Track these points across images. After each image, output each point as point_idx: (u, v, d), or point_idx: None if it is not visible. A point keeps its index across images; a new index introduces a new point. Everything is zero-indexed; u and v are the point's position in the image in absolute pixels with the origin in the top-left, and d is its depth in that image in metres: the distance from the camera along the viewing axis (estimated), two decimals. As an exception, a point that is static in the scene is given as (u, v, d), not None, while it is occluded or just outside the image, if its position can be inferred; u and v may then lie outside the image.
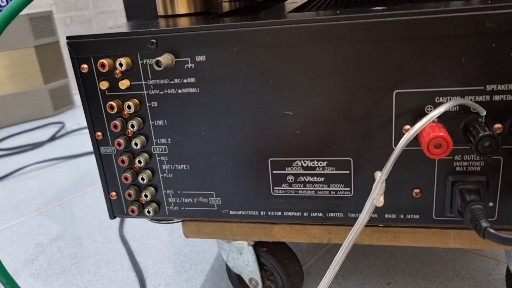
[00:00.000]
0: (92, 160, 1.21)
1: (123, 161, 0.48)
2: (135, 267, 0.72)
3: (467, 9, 0.37)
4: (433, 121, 0.39)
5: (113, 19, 2.24)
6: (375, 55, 0.40)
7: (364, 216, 0.38)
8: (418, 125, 0.38)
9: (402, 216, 0.45)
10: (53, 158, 1.25)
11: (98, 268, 0.73)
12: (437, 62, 0.39)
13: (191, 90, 0.45)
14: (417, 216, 0.45)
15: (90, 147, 1.30)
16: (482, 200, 0.41)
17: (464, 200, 0.41)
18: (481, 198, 0.41)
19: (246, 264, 0.56)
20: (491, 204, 0.43)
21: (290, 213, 0.47)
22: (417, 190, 0.44)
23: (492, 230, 0.37)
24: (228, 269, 0.61)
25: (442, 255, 0.67)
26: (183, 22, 0.47)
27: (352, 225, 0.40)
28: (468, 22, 0.37)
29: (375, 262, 0.67)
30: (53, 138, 1.43)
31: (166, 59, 0.43)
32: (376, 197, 0.37)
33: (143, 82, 0.46)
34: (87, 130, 1.44)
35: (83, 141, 1.38)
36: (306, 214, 0.47)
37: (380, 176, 0.37)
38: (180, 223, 0.55)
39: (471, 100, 0.40)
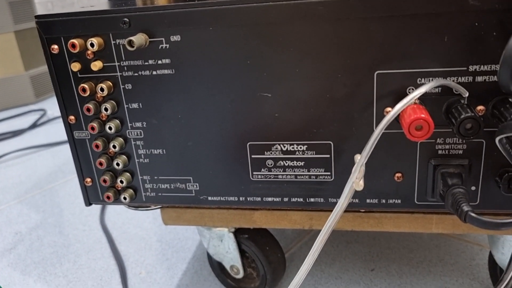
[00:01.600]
0: (74, 147, 1.19)
1: (97, 146, 0.47)
2: (115, 255, 0.70)
3: (450, -14, 0.36)
4: (415, 103, 0.38)
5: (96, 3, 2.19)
6: (355, 35, 0.39)
7: (343, 201, 0.36)
8: (398, 106, 0.36)
9: (383, 201, 0.44)
10: (34, 146, 1.23)
11: (78, 256, 0.72)
12: (419, 42, 0.38)
13: (166, 71, 0.43)
14: (399, 201, 0.44)
15: (72, 135, 1.27)
16: (464, 184, 0.40)
17: (446, 184, 0.40)
18: (463, 182, 0.40)
19: (227, 251, 0.55)
20: (473, 188, 0.42)
21: (270, 199, 0.46)
22: (398, 174, 0.43)
23: (473, 214, 0.36)
24: (210, 257, 0.59)
25: (426, 241, 0.67)
26: (158, 1, 0.45)
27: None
28: (451, -1, 0.36)
29: (359, 248, 0.67)
30: (34, 126, 1.40)
31: (139, 39, 0.41)
32: (356, 181, 0.36)
33: (117, 64, 0.44)
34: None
35: (66, 129, 1.35)
36: (286, 199, 0.46)
37: (360, 159, 0.36)
38: (159, 210, 0.54)
39: (453, 81, 0.39)
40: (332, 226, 0.38)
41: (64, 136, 1.28)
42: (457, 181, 0.39)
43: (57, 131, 1.34)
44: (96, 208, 0.85)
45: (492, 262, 0.55)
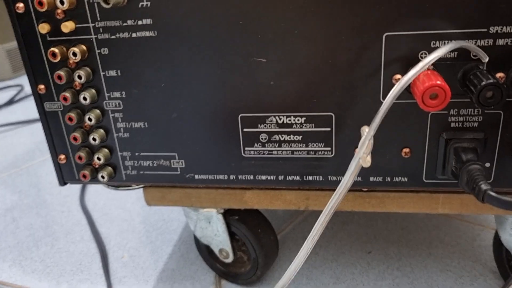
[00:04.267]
0: (53, 125, 1.13)
1: (70, 119, 0.42)
2: (96, 238, 0.66)
3: None
4: (428, 69, 0.34)
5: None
6: (362, -10, 0.34)
7: (348, 179, 0.32)
8: (412, 72, 0.32)
9: (389, 179, 0.40)
10: (11, 123, 1.16)
11: (56, 240, 0.67)
12: (435, -1, 0.33)
13: (147, 33, 0.38)
14: (406, 179, 0.40)
15: (52, 112, 1.21)
16: (480, 160, 0.37)
17: (460, 160, 0.36)
18: (479, 157, 0.36)
19: (216, 234, 0.51)
20: (487, 164, 0.38)
21: (263, 177, 0.42)
22: (406, 150, 0.39)
23: (493, 193, 0.32)
24: (197, 240, 0.55)
25: (425, 222, 0.64)
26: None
27: (333, 190, 0.34)
28: None
29: (355, 230, 0.63)
30: (11, 102, 1.33)
31: (116, -5, 0.36)
32: (363, 156, 0.32)
33: (91, 25, 0.39)
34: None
35: (45, 105, 1.28)
36: (281, 177, 0.42)
37: (368, 132, 0.31)
38: (142, 189, 0.49)
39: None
40: (334, 207, 0.34)
41: (42, 113, 1.22)
42: (473, 156, 0.36)
43: (35, 107, 1.28)
44: (75, 188, 0.80)
45: (497, 243, 0.52)
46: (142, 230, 0.67)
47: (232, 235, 0.51)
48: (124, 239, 0.66)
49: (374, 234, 0.62)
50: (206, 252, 0.55)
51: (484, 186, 0.32)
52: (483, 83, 0.32)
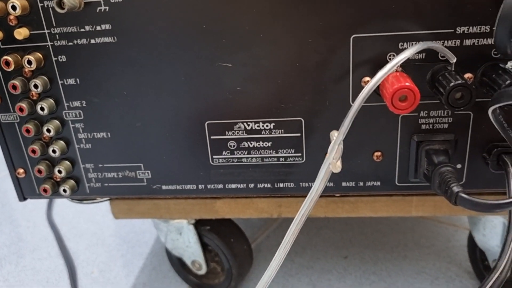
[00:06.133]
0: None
1: (28, 131, 0.39)
2: (64, 254, 0.63)
3: None
4: (397, 71, 0.33)
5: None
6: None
7: (318, 185, 0.31)
8: (379, 75, 0.31)
9: (361, 183, 0.39)
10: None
11: (21, 257, 0.64)
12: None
13: (106, 39, 0.37)
14: (378, 183, 0.39)
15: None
16: (451, 162, 0.36)
17: (432, 163, 0.35)
18: (450, 159, 0.36)
19: (187, 245, 0.49)
20: (459, 166, 0.38)
21: (233, 185, 0.41)
22: (378, 153, 0.38)
23: (464, 195, 0.31)
24: (168, 252, 0.53)
25: (400, 224, 0.63)
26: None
27: (305, 196, 0.33)
28: None
29: (330, 235, 0.62)
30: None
31: (71, -1, 0.34)
32: (333, 162, 0.31)
33: (46, 31, 0.37)
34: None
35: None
36: (252, 185, 0.40)
37: (337, 136, 0.30)
38: (108, 202, 0.47)
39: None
40: (306, 214, 0.32)
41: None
42: (444, 158, 0.35)
43: None
44: (42, 201, 0.77)
45: (471, 244, 0.52)
46: (113, 244, 0.65)
47: (204, 245, 0.50)
48: (94, 253, 0.63)
49: (349, 239, 0.61)
50: (178, 264, 0.53)
51: (456, 188, 0.32)
52: (452, 84, 0.31)
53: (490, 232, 0.46)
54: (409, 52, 0.31)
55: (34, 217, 0.73)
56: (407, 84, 0.31)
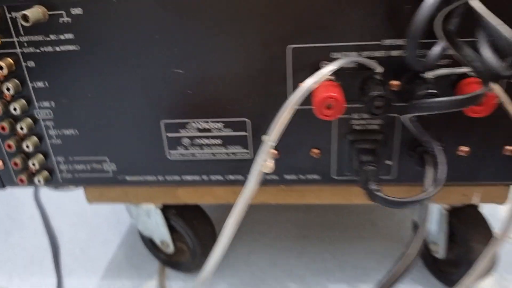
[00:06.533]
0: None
1: (3, 128, 0.44)
2: (49, 232, 0.69)
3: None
4: (329, 79, 0.37)
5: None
6: (265, 6, 0.37)
7: (252, 184, 0.36)
8: (304, 87, 0.35)
9: (302, 177, 0.44)
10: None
11: (9, 234, 0.69)
12: (331, 14, 0.36)
13: (70, 47, 0.40)
14: (318, 177, 0.44)
15: None
16: (380, 159, 0.41)
17: (359, 160, 0.40)
18: (378, 157, 0.40)
19: (155, 227, 0.54)
20: (390, 162, 0.42)
21: (189, 177, 0.45)
22: (316, 151, 0.42)
23: (379, 194, 0.36)
24: (140, 232, 0.59)
25: (357, 206, 0.68)
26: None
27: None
28: (359, -29, 0.34)
29: (294, 215, 0.67)
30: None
31: (35, 12, 0.38)
32: (264, 164, 0.35)
33: (15, 39, 0.41)
34: None
35: None
36: (206, 177, 0.45)
37: (267, 141, 0.35)
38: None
39: (368, 55, 0.38)
40: (241, 211, 0.37)
41: None
42: (369, 158, 0.39)
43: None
44: (31, 181, 0.82)
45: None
46: (94, 222, 0.70)
47: (172, 227, 0.55)
48: (77, 232, 0.68)
49: (312, 220, 0.66)
50: (150, 244, 0.59)
51: (371, 186, 0.36)
52: (371, 94, 0.35)
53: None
54: (329, 68, 0.35)
55: (22, 196, 0.79)
56: (332, 94, 0.35)
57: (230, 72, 0.40)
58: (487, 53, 0.30)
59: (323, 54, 0.38)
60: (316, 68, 0.38)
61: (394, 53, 0.38)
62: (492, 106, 0.35)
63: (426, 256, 0.56)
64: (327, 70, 0.35)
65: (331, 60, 0.38)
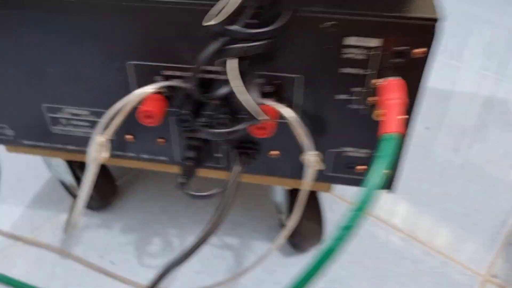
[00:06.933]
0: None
1: None
2: (-2, 161, 0.83)
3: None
4: (158, 92, 0.47)
5: None
6: (103, 29, 0.45)
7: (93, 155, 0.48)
8: (118, 106, 0.46)
9: (155, 157, 0.55)
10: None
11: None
12: (158, 39, 0.45)
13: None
14: (165, 158, 0.55)
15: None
16: (204, 155, 0.52)
17: (185, 156, 0.51)
18: (201, 156, 0.51)
19: (64, 175, 0.68)
20: (220, 155, 0.53)
21: (70, 147, 0.57)
22: (160, 140, 0.53)
23: (187, 191, 0.48)
24: (59, 174, 0.72)
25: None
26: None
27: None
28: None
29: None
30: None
31: None
32: (97, 141, 0.46)
33: None
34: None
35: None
36: (82, 148, 0.57)
37: (94, 142, 0.46)
38: (4, 139, 0.64)
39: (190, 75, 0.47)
40: (92, 172, 0.49)
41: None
42: (191, 154, 0.51)
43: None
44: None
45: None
46: (34, 158, 0.84)
47: (78, 176, 0.68)
48: (19, 163, 0.82)
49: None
50: (63, 185, 0.72)
51: (179, 179, 0.48)
52: (179, 111, 0.46)
53: (272, 192, 0.63)
54: (143, 90, 0.45)
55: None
56: (146, 108, 0.46)
57: (84, 76, 0.49)
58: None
59: (155, 72, 0.48)
60: (151, 81, 0.48)
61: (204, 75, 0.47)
62: (272, 130, 0.46)
63: (280, 223, 0.68)
64: (142, 90, 0.45)
65: (162, 77, 0.48)
